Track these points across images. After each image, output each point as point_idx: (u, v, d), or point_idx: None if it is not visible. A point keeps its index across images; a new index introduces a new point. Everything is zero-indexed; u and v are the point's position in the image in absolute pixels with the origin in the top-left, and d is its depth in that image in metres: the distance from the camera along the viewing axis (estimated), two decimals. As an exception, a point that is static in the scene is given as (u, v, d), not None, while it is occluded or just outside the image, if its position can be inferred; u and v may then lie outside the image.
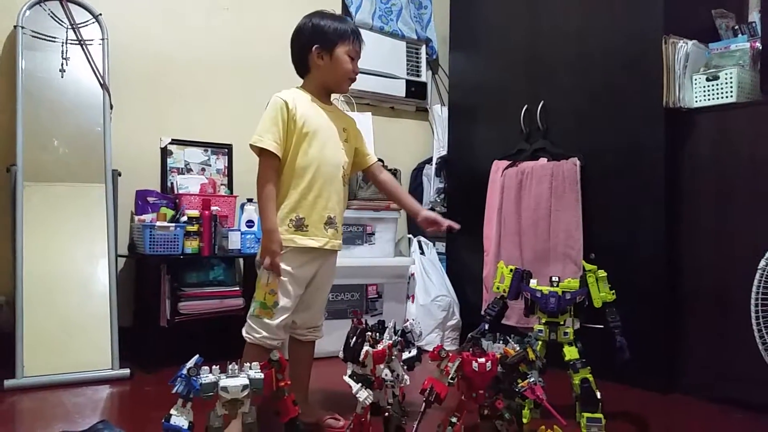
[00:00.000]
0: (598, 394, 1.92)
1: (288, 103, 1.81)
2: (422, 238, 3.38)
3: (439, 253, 3.39)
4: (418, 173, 3.72)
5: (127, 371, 2.40)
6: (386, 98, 3.59)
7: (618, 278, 2.03)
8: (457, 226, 2.03)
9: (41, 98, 2.54)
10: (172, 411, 1.41)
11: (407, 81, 3.63)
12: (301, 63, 1.93)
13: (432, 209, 3.61)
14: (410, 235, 3.47)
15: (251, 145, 1.80)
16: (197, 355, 1.45)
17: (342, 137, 1.93)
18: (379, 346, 1.64)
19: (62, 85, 2.59)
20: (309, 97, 1.90)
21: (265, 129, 1.79)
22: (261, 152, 1.80)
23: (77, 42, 2.64)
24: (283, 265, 1.77)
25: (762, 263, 1.83)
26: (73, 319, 2.41)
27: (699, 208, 2.33)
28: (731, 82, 2.29)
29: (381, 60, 3.50)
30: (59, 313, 2.39)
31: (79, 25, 2.65)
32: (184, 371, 1.42)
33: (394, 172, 3.16)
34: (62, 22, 2.61)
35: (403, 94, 3.62)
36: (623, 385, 2.34)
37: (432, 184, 3.60)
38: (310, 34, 1.88)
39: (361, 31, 3.54)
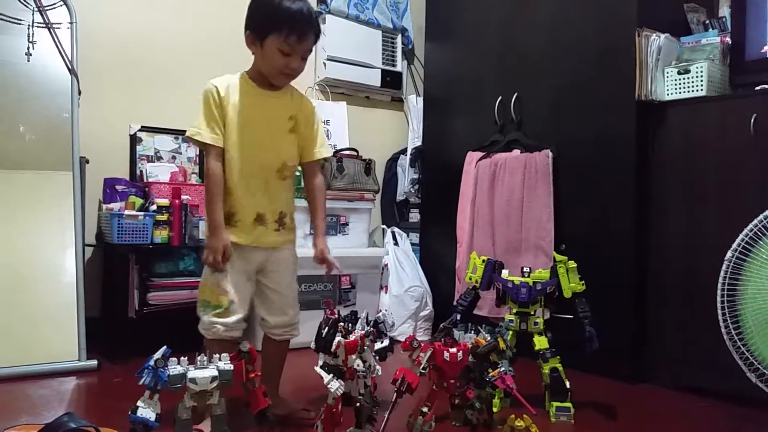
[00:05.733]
0: (568, 384, 1.96)
1: (219, 91, 1.70)
2: (396, 229, 3.37)
3: (412, 244, 3.39)
4: (392, 164, 3.71)
5: (94, 362, 2.36)
6: (361, 88, 3.57)
7: (588, 269, 2.06)
8: (339, 270, 1.93)
9: (6, 83, 2.47)
10: (139, 403, 1.39)
11: (382, 71, 3.60)
12: (246, 43, 1.77)
13: (406, 200, 3.62)
14: (384, 226, 3.46)
15: (189, 138, 1.71)
16: (165, 347, 1.43)
17: (286, 127, 1.80)
18: (351, 337, 1.63)
19: (28, 70, 2.52)
20: (249, 82, 1.76)
21: (201, 121, 1.69)
22: (204, 145, 1.70)
23: (44, 25, 2.56)
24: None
25: (728, 254, 1.86)
26: (40, 309, 2.36)
27: (668, 199, 2.36)
28: (702, 76, 2.32)
29: (356, 49, 3.46)
30: (25, 304, 2.34)
31: (46, 8, 2.57)
32: (151, 363, 1.40)
33: (369, 162, 3.15)
34: (28, 4, 2.53)
35: (379, 84, 3.59)
36: (592, 374, 2.37)
37: (406, 175, 3.60)
38: (248, 15, 1.74)
39: (337, 19, 3.51)
